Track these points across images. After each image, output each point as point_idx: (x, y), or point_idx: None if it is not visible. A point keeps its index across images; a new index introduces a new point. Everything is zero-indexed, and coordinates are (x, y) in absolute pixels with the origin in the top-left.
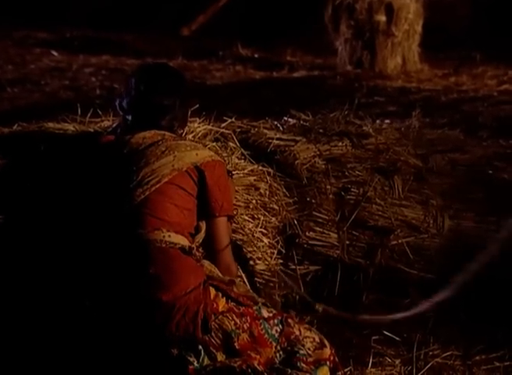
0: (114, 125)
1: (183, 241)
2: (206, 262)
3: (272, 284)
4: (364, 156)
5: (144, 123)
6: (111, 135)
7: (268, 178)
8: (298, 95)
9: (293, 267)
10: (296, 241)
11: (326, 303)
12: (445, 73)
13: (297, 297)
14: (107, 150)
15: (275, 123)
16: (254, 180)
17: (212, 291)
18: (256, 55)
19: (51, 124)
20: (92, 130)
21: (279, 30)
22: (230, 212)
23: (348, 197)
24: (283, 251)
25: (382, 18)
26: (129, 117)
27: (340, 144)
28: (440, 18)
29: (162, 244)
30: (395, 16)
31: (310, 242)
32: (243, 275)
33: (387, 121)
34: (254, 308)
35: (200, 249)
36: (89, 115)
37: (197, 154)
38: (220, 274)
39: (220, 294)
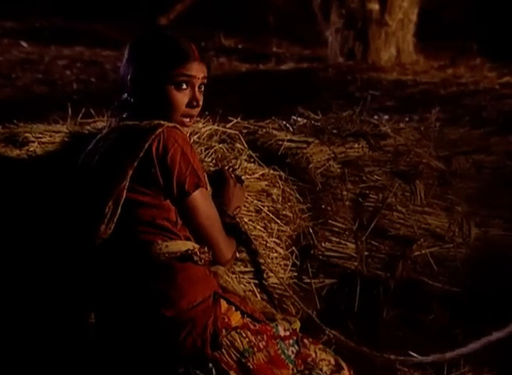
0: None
1: (183, 245)
2: (221, 269)
3: (285, 299)
4: (383, 159)
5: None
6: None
7: (280, 183)
8: (288, 89)
9: (308, 281)
10: (311, 252)
11: (343, 320)
12: (441, 65)
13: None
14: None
15: (284, 122)
16: (266, 185)
17: (224, 303)
18: (240, 46)
19: (41, 126)
20: (87, 132)
21: (263, 19)
22: (201, 182)
23: (366, 204)
24: (298, 263)
25: (375, 6)
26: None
27: (356, 145)
28: (432, 6)
29: (161, 257)
30: (389, 4)
31: (325, 253)
32: (255, 289)
33: (386, 117)
34: (272, 325)
35: (204, 250)
36: (80, 115)
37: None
38: (236, 287)
39: (233, 308)
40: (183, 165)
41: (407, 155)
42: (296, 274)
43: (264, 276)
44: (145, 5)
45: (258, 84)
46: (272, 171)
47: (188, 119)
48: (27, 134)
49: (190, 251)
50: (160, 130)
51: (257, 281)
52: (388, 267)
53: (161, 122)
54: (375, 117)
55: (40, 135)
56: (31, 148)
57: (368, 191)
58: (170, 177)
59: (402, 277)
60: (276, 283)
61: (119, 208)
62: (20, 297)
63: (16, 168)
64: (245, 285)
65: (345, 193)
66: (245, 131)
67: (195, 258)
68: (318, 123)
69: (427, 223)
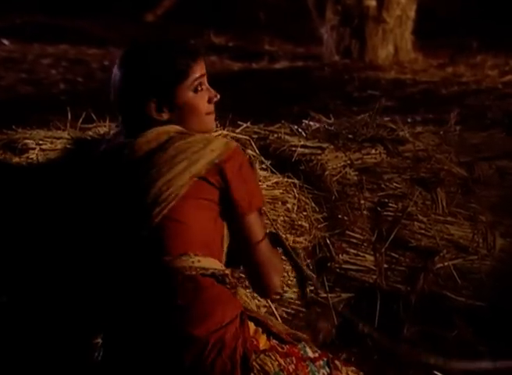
0: (113, 131)
1: (214, 263)
2: (241, 291)
3: (301, 315)
4: (402, 165)
5: (132, 120)
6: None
7: (295, 191)
8: (283, 89)
9: (324, 295)
10: (328, 264)
11: (362, 336)
12: (440, 63)
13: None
14: (107, 162)
15: (296, 127)
16: (280, 193)
17: (251, 325)
18: (230, 44)
19: (41, 132)
20: (89, 138)
21: (254, 16)
22: (260, 203)
23: (385, 213)
24: (314, 276)
25: (372, 3)
26: (119, 117)
27: (373, 151)
28: (430, 2)
29: (192, 271)
30: (386, 0)
31: (343, 266)
32: (272, 305)
33: (387, 119)
34: (299, 346)
35: (236, 274)
36: (81, 119)
37: (212, 150)
38: (255, 307)
39: (260, 330)
40: (248, 183)
41: (428, 162)
42: (312, 288)
43: (281, 291)
44: (131, 1)
45: (252, 84)
46: (286, 179)
47: (213, 116)
48: (27, 141)
49: (222, 272)
50: (224, 146)
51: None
52: (408, 280)
53: (224, 139)
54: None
55: (41, 142)
56: (32, 156)
57: (386, 200)
58: (232, 194)
59: (423, 291)
60: (292, 298)
61: (173, 200)
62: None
63: (17, 176)
64: (259, 301)
65: (362, 202)
66: (255, 136)
67: (227, 280)
68: (332, 128)
69: (449, 234)
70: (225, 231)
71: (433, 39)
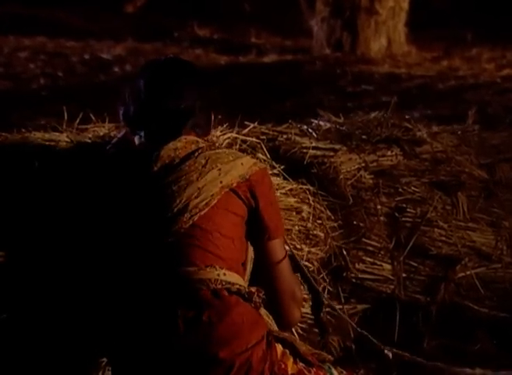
0: (119, 135)
1: (239, 280)
2: (263, 311)
3: (316, 331)
4: (420, 168)
5: (159, 134)
6: (121, 148)
7: (310, 199)
8: (274, 84)
9: (339, 306)
10: (343, 274)
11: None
12: (435, 56)
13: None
14: (130, 168)
15: (306, 127)
16: (295, 201)
17: (278, 347)
18: (215, 36)
19: (38, 134)
20: (90, 142)
21: (239, 7)
22: (284, 229)
23: (403, 219)
24: (330, 288)
25: None
26: (140, 129)
27: (389, 153)
28: None
29: (217, 284)
30: None
31: (359, 276)
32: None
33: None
34: (325, 368)
35: (262, 294)
36: (78, 120)
37: (242, 163)
38: (276, 326)
39: (287, 352)
40: (274, 206)
41: (447, 164)
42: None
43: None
44: None
45: (241, 79)
46: (300, 185)
47: None
48: (24, 144)
49: (248, 290)
50: (255, 164)
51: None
52: (428, 291)
53: (254, 159)
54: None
55: (39, 144)
56: (30, 160)
57: (404, 205)
58: (262, 214)
59: (444, 302)
60: (307, 313)
61: (205, 208)
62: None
63: (21, 184)
64: None
65: (379, 207)
66: (263, 138)
67: (254, 298)
68: (344, 128)
69: (471, 241)
70: (251, 253)
71: (426, 31)
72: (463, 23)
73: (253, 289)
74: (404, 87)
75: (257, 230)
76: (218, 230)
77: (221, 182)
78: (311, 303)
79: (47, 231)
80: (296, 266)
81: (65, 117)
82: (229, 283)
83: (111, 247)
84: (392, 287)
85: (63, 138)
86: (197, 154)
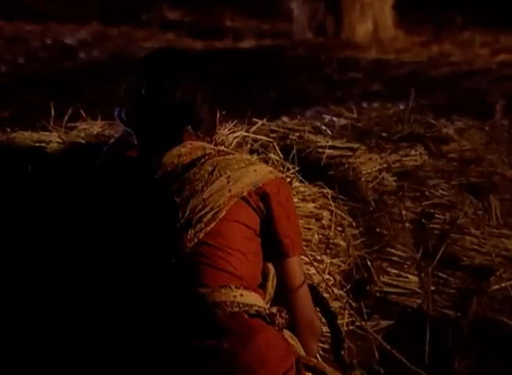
0: (117, 135)
1: (258, 300)
2: (287, 333)
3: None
4: (448, 169)
5: (157, 136)
6: (118, 151)
7: (332, 204)
8: (254, 71)
9: (362, 323)
10: (367, 288)
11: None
12: (423, 41)
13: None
14: (129, 177)
15: (318, 124)
16: (315, 207)
17: None
18: (187, 19)
19: (26, 134)
20: (84, 142)
21: None
22: (302, 246)
23: (431, 226)
24: (353, 304)
25: None
26: (136, 131)
27: (413, 152)
28: None
29: (234, 307)
30: None
31: (383, 289)
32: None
33: (375, 105)
34: None
35: (284, 314)
36: (66, 117)
37: (255, 170)
38: (303, 351)
39: None
40: (292, 220)
41: (477, 164)
42: (352, 319)
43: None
44: None
45: (218, 65)
46: (318, 189)
47: None
48: (11, 146)
49: (269, 311)
50: (270, 172)
51: None
52: (459, 305)
53: (270, 168)
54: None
55: (28, 146)
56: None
57: (432, 210)
58: (276, 228)
59: (477, 317)
60: (328, 332)
61: (212, 222)
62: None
63: (16, 192)
64: None
65: (404, 213)
66: (273, 136)
67: (277, 320)
68: (360, 124)
69: (506, 249)
70: (273, 269)
71: (413, 14)
72: (451, 5)
73: (273, 310)
74: (394, 74)
75: (270, 245)
76: (229, 245)
77: (229, 190)
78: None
79: (41, 243)
80: (316, 299)
81: (53, 113)
82: (247, 304)
83: (109, 268)
84: (419, 301)
85: (54, 138)
86: (203, 160)
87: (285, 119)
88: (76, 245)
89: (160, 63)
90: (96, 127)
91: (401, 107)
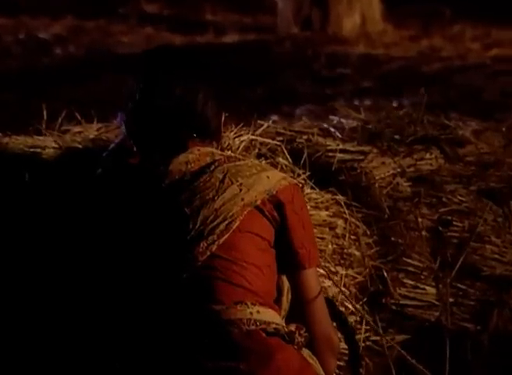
0: (117, 140)
1: (275, 317)
2: (305, 352)
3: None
4: (466, 173)
5: (158, 144)
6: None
7: (347, 212)
8: (240, 67)
9: (383, 338)
10: (383, 300)
11: None
12: (412, 35)
13: None
14: (133, 186)
15: (326, 125)
16: (328, 215)
17: None
18: (165, 13)
19: (20, 138)
20: (81, 147)
21: None
22: (319, 258)
23: (449, 234)
24: (369, 319)
25: None
26: (133, 138)
27: (428, 155)
28: None
29: (251, 325)
30: None
31: (399, 302)
32: None
33: (368, 102)
34: None
35: (303, 332)
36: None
37: (268, 176)
38: (322, 370)
39: None
40: (307, 230)
41: (496, 168)
42: (368, 334)
43: None
44: None
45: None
46: (330, 195)
47: None
48: (4, 152)
49: (287, 329)
50: (284, 178)
51: None
52: (479, 318)
53: (283, 173)
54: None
55: (23, 152)
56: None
57: (450, 217)
58: (291, 238)
59: (497, 331)
60: (346, 349)
61: (225, 234)
62: None
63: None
64: None
65: (420, 220)
66: (280, 139)
67: (296, 339)
68: (371, 126)
69: None
70: (287, 282)
71: (401, 7)
72: None
73: (292, 327)
74: (385, 70)
75: (285, 257)
76: (243, 258)
77: (242, 199)
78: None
79: (44, 259)
80: (332, 313)
81: (45, 116)
82: (265, 322)
83: (116, 283)
84: (437, 314)
85: (50, 143)
86: (212, 167)
87: (275, 117)
88: (81, 259)
89: (157, 63)
90: (91, 130)
91: (396, 104)
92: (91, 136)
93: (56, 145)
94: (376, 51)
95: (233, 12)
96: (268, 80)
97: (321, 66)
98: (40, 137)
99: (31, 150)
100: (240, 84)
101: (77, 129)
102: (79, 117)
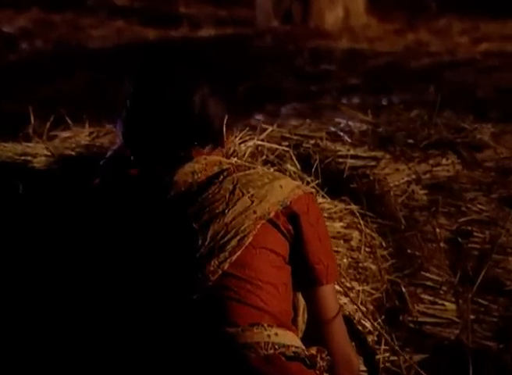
0: (114, 147)
1: (294, 339)
2: None
3: None
4: (486, 180)
5: (157, 151)
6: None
7: (362, 223)
8: (218, 63)
9: (394, 358)
10: (400, 318)
11: None
12: (397, 29)
13: None
14: (134, 198)
15: (333, 128)
16: (342, 226)
17: None
18: (136, 6)
19: (8, 146)
20: (75, 154)
21: None
22: (337, 273)
23: (469, 245)
24: (388, 337)
25: None
26: (129, 146)
27: (444, 161)
28: None
29: (269, 349)
30: None
31: (417, 319)
32: None
33: (356, 100)
34: None
35: (325, 355)
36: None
37: (281, 186)
38: None
39: None
40: (324, 243)
41: None
42: (387, 355)
43: None
44: None
45: None
46: (343, 205)
47: None
48: None
49: (308, 353)
50: (297, 187)
51: None
52: (502, 336)
53: (296, 181)
54: None
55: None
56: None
57: (470, 228)
58: (307, 253)
59: None
60: (364, 371)
61: (237, 250)
62: None
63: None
64: None
65: (438, 231)
66: (285, 144)
67: (318, 363)
68: (381, 129)
69: None
70: (302, 300)
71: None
72: None
73: (313, 351)
74: (371, 66)
75: (300, 272)
76: (258, 276)
77: (255, 212)
78: None
79: (40, 278)
80: (351, 332)
81: (32, 121)
82: (284, 345)
83: (119, 306)
84: (457, 331)
85: (41, 150)
86: (221, 177)
87: (259, 117)
88: (80, 278)
89: (149, 65)
90: (83, 136)
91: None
92: (83, 142)
93: (48, 153)
94: (360, 45)
95: (208, 4)
96: (249, 77)
97: (305, 62)
98: (30, 144)
99: (22, 158)
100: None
101: (67, 134)
102: (69, 121)
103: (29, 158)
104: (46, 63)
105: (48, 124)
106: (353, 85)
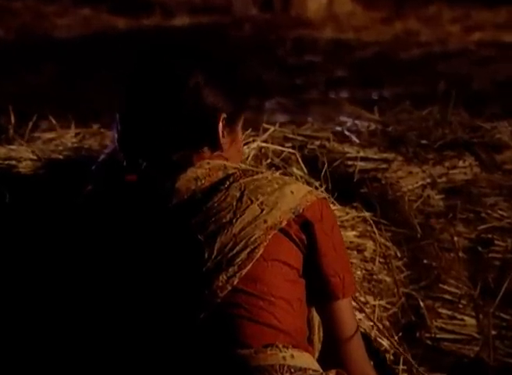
0: (107, 150)
1: (311, 362)
2: None
3: None
4: (507, 183)
5: (156, 158)
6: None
7: (376, 232)
8: None
9: None
10: (416, 334)
11: None
12: (384, 17)
13: None
14: (134, 207)
15: (339, 128)
16: (355, 235)
17: None
18: None
19: None
20: (63, 158)
21: None
22: (355, 286)
23: (490, 255)
24: (408, 357)
25: None
26: (125, 149)
27: (461, 163)
28: None
29: (285, 372)
30: None
31: (435, 335)
32: None
33: (345, 94)
34: None
35: None
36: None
37: (292, 191)
38: None
39: None
40: (339, 253)
41: None
42: None
43: None
44: None
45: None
46: (355, 212)
47: None
48: None
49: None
50: (310, 192)
51: None
52: None
53: (308, 187)
54: None
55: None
56: None
57: (490, 236)
58: (321, 264)
59: None
60: None
61: (247, 264)
62: None
63: None
64: None
65: (456, 239)
66: (289, 145)
67: None
68: (391, 129)
69: None
70: (317, 316)
71: None
72: None
73: (332, 374)
74: (358, 57)
75: (314, 286)
76: (271, 292)
77: (265, 221)
78: None
79: (34, 294)
80: (369, 350)
81: (13, 121)
82: (300, 368)
83: (119, 326)
84: (477, 349)
85: (25, 154)
86: (227, 184)
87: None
88: (75, 294)
89: (147, 62)
90: (68, 137)
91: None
92: (70, 144)
93: (34, 156)
94: (346, 35)
95: None
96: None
97: (287, 53)
98: (13, 147)
99: (6, 162)
100: None
101: (50, 135)
102: (53, 121)
103: (13, 162)
104: (9, 55)
105: (31, 124)
106: (340, 78)
